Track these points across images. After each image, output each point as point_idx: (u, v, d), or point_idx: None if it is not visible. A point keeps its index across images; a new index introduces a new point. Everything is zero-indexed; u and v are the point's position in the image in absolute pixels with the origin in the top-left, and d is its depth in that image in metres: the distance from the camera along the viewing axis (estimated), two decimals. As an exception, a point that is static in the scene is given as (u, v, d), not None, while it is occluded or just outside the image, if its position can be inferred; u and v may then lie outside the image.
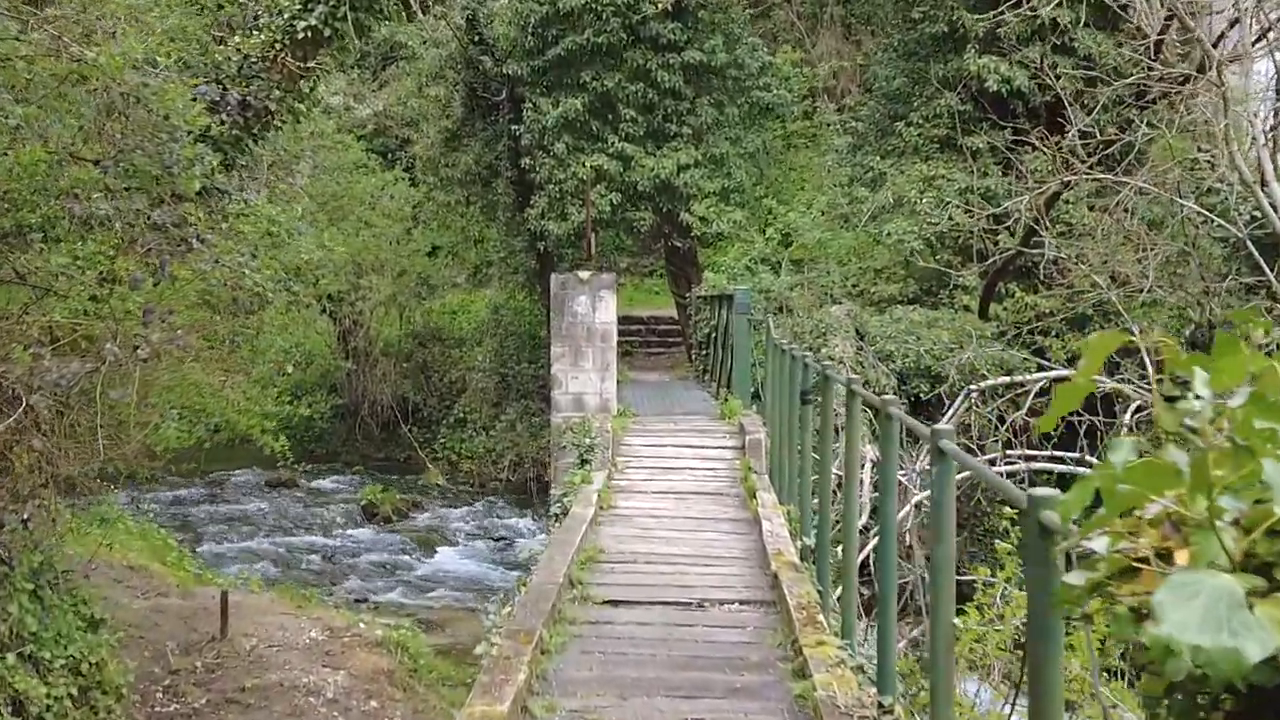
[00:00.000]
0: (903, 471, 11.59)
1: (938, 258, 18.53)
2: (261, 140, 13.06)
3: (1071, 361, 15.91)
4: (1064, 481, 14.97)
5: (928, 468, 13.41)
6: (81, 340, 8.31)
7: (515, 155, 23.15)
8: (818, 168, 27.44)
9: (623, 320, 22.02)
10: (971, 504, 14.47)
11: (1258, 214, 13.61)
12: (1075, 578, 1.71)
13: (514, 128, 22.68)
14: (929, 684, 4.52)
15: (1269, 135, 13.58)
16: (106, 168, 8.95)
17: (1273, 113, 14.55)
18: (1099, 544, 1.72)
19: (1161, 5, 14.72)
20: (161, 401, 8.54)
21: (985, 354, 15.59)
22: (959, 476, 13.24)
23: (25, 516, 7.84)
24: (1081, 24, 18.43)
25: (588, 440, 12.85)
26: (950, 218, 17.85)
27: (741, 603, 7.70)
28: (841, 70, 30.49)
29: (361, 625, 12.24)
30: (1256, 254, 13.34)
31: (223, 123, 11.68)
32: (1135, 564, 1.69)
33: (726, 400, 16.05)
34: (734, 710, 5.82)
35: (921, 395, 16.04)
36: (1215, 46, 13.57)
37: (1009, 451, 13.64)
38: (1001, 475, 10.69)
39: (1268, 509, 1.62)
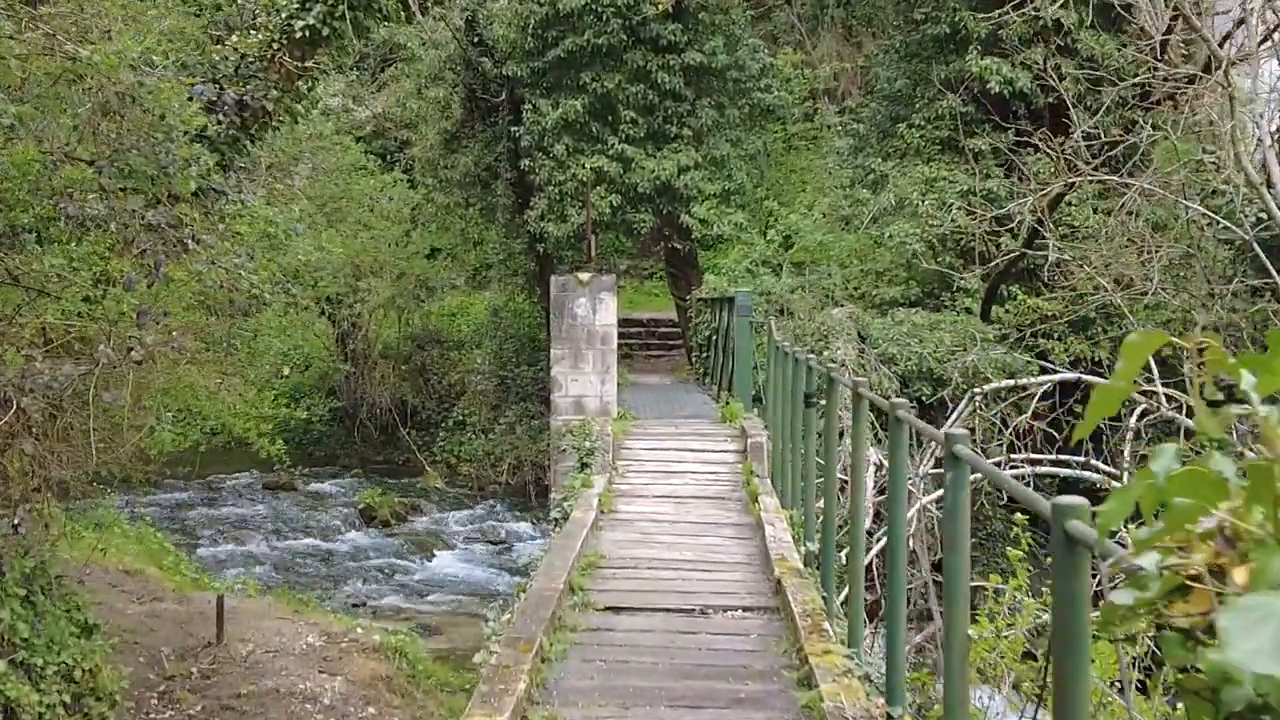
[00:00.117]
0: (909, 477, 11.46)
1: (939, 260, 18.41)
2: (259, 141, 12.93)
3: (1075, 364, 15.81)
4: (1066, 485, 14.87)
5: (932, 471, 13.32)
6: (75, 342, 8.20)
7: (515, 157, 23.04)
8: (819, 170, 27.34)
9: (623, 322, 21.90)
10: (975, 507, 14.35)
11: (1264, 216, 13.50)
12: (1123, 597, 1.59)
13: (513, 129, 22.57)
14: (943, 695, 4.40)
15: (1276, 136, 13.48)
16: (101, 168, 8.85)
17: (1279, 114, 14.45)
18: (1148, 560, 1.60)
19: (1167, 5, 14.61)
20: (156, 405, 8.42)
21: (988, 357, 15.47)
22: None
23: (16, 521, 7.72)
24: (1084, 25, 18.32)
25: (588, 444, 12.72)
26: (953, 220, 17.73)
27: (745, 609, 7.58)
28: (842, 72, 30.39)
29: (359, 630, 12.12)
30: (1263, 256, 13.22)
31: (219, 123, 11.55)
32: (1187, 582, 1.56)
33: (728, 403, 15.94)
34: (739, 721, 5.70)
35: (924, 398, 15.92)
36: (1221, 47, 13.45)
37: (1013, 455, 13.52)
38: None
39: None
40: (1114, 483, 12.45)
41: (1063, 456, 13.54)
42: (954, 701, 4.12)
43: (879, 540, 12.31)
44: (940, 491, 13.18)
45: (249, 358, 22.53)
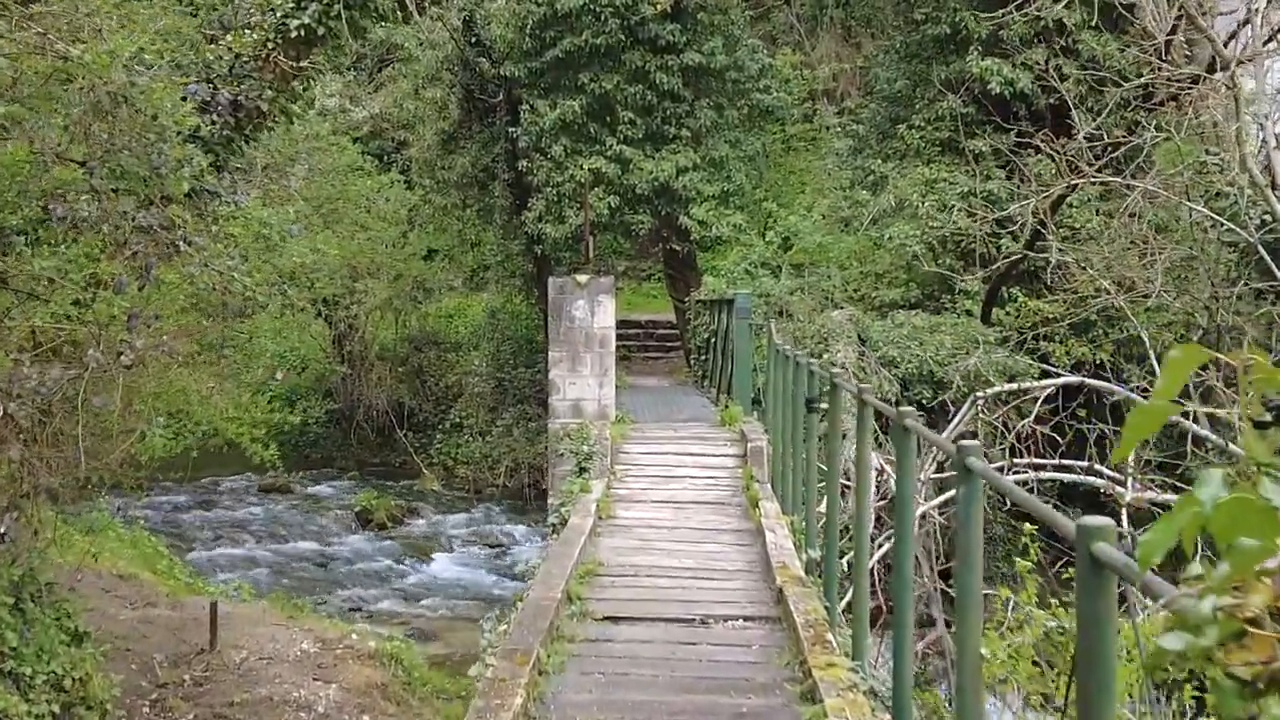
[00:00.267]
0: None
1: (940, 262, 18.29)
2: (254, 141, 12.80)
3: (1077, 367, 15.68)
4: (1068, 489, 14.74)
5: (934, 476, 13.19)
6: (64, 345, 8.06)
7: (512, 158, 22.92)
8: (818, 171, 27.21)
9: (621, 324, 21.76)
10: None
11: (1268, 218, 13.38)
12: (1174, 642, 1.45)
13: (511, 130, 22.44)
14: (955, 716, 4.26)
15: (1280, 137, 13.36)
16: (93, 169, 8.72)
17: (1283, 115, 14.33)
18: (1203, 602, 1.46)
19: (1170, 6, 14.49)
20: (147, 409, 8.27)
21: (990, 360, 15.34)
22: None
23: (3, 529, 7.58)
24: (1086, 26, 18.19)
25: (586, 448, 12.59)
26: (953, 222, 17.60)
27: (746, 619, 7.44)
28: (841, 73, 30.27)
29: (354, 637, 11.98)
30: (1268, 258, 13.10)
31: (213, 123, 11.41)
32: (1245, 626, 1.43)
33: (727, 406, 15.80)
34: (740, 735, 5.57)
35: (924, 401, 15.78)
36: (1225, 47, 13.33)
37: (1015, 460, 13.39)
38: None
39: None
40: (1118, 488, 12.33)
41: (1066, 461, 13.40)
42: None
43: (879, 547, 12.18)
44: (943, 497, 13.08)
45: (245, 360, 22.44)
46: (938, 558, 12.93)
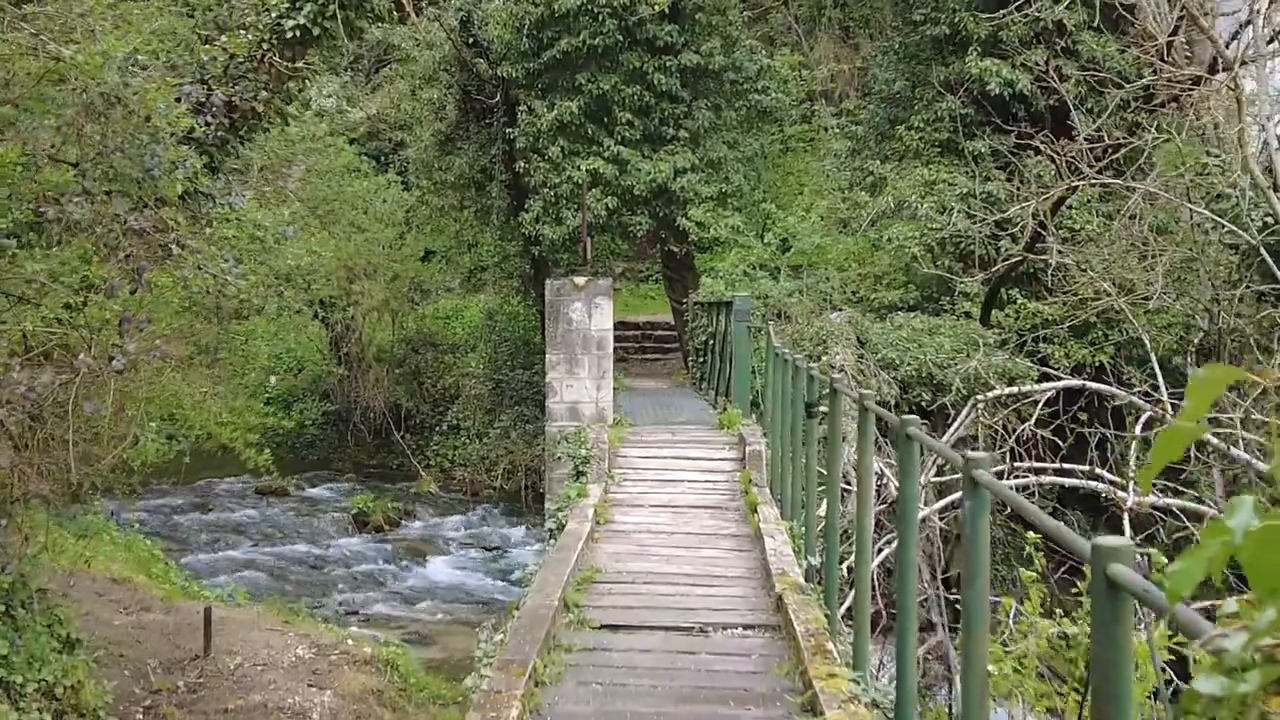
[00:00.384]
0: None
1: (939, 264, 18.20)
2: (248, 142, 12.71)
3: (1076, 370, 15.60)
4: (1067, 493, 14.66)
5: (934, 480, 13.10)
6: (56, 350, 7.96)
7: (509, 159, 22.82)
8: (816, 172, 27.12)
9: (618, 326, 21.66)
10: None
11: (1270, 219, 13.30)
12: (1210, 685, 1.36)
13: (508, 131, 22.34)
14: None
15: (1282, 139, 13.28)
16: (85, 170, 8.63)
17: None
18: (1234, 641, 1.37)
19: (1171, 7, 14.41)
20: (139, 414, 8.18)
21: (990, 363, 15.25)
22: (951, 478, 12.93)
23: (-7, 537, 7.48)
24: (1086, 27, 18.12)
25: (583, 451, 12.50)
26: (952, 223, 17.51)
27: (745, 627, 7.35)
28: (840, 74, 30.18)
29: (350, 642, 11.90)
30: (1270, 261, 13.01)
31: (207, 124, 11.32)
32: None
33: (725, 409, 15.71)
34: (740, 748, 5.48)
35: (924, 404, 15.69)
36: (1226, 48, 13.25)
37: (1016, 464, 13.30)
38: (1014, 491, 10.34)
39: None
40: (1120, 493, 12.24)
41: (1067, 465, 13.32)
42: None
43: (879, 552, 12.09)
44: (943, 501, 13.00)
45: (244, 362, 22.35)
46: (935, 560, 12.84)
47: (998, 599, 8.43)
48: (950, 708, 12.04)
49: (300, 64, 12.36)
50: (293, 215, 17.90)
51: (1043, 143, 16.05)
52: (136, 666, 10.90)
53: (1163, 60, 14.72)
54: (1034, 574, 6.87)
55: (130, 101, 8.60)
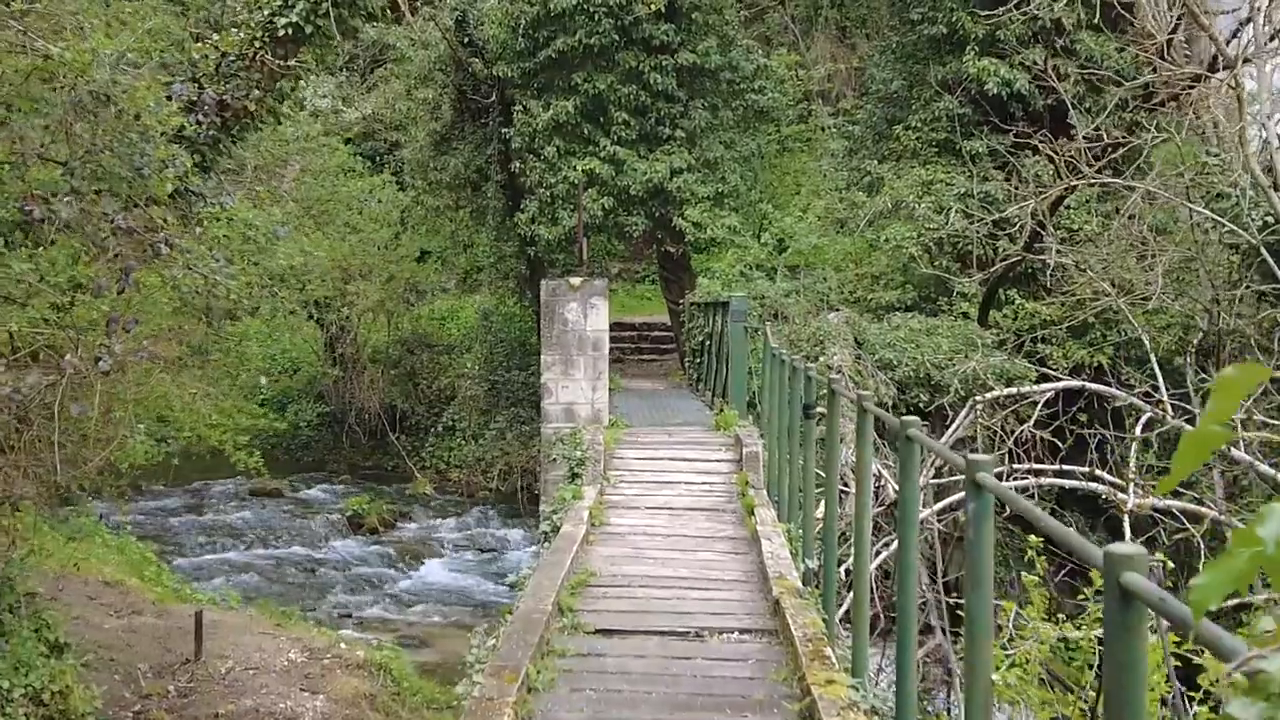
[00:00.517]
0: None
1: (937, 264, 18.11)
2: (240, 141, 12.60)
3: (1075, 371, 15.51)
4: (1066, 494, 14.55)
5: (933, 481, 13.00)
6: (42, 351, 7.85)
7: (505, 159, 22.71)
8: (813, 172, 27.03)
9: (615, 327, 21.54)
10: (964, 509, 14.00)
11: (1271, 219, 13.21)
12: (1246, 711, 1.26)
13: (504, 131, 22.23)
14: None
15: (1283, 137, 13.18)
16: (74, 169, 8.52)
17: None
18: (1274, 664, 1.26)
19: (1170, 6, 14.31)
20: (127, 416, 8.06)
21: (989, 363, 15.15)
22: (950, 479, 12.82)
23: (-22, 540, 7.36)
24: (1084, 26, 18.03)
25: (579, 453, 12.39)
26: (952, 224, 17.41)
27: (742, 632, 7.24)
28: (837, 74, 30.09)
29: (342, 646, 11.79)
30: (1270, 260, 12.91)
31: (199, 123, 11.21)
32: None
33: (722, 410, 15.60)
34: (737, 755, 5.37)
35: (921, 405, 15.58)
36: (1227, 45, 13.16)
37: (1015, 466, 13.20)
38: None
39: None
40: (1119, 494, 12.14)
41: (1066, 467, 13.22)
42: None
43: (877, 555, 11.99)
44: (942, 504, 12.89)
45: (237, 364, 22.22)
46: (931, 562, 12.73)
47: (998, 603, 8.33)
48: (949, 711, 11.94)
49: (293, 62, 12.26)
50: (287, 215, 17.79)
51: (1041, 142, 15.96)
52: (127, 671, 10.78)
53: (1162, 58, 14.62)
54: (1036, 578, 6.76)
55: (120, 99, 8.50)
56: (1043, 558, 6.79)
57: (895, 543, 9.56)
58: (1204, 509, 12.12)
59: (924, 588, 12.07)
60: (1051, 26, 18.08)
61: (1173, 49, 15.58)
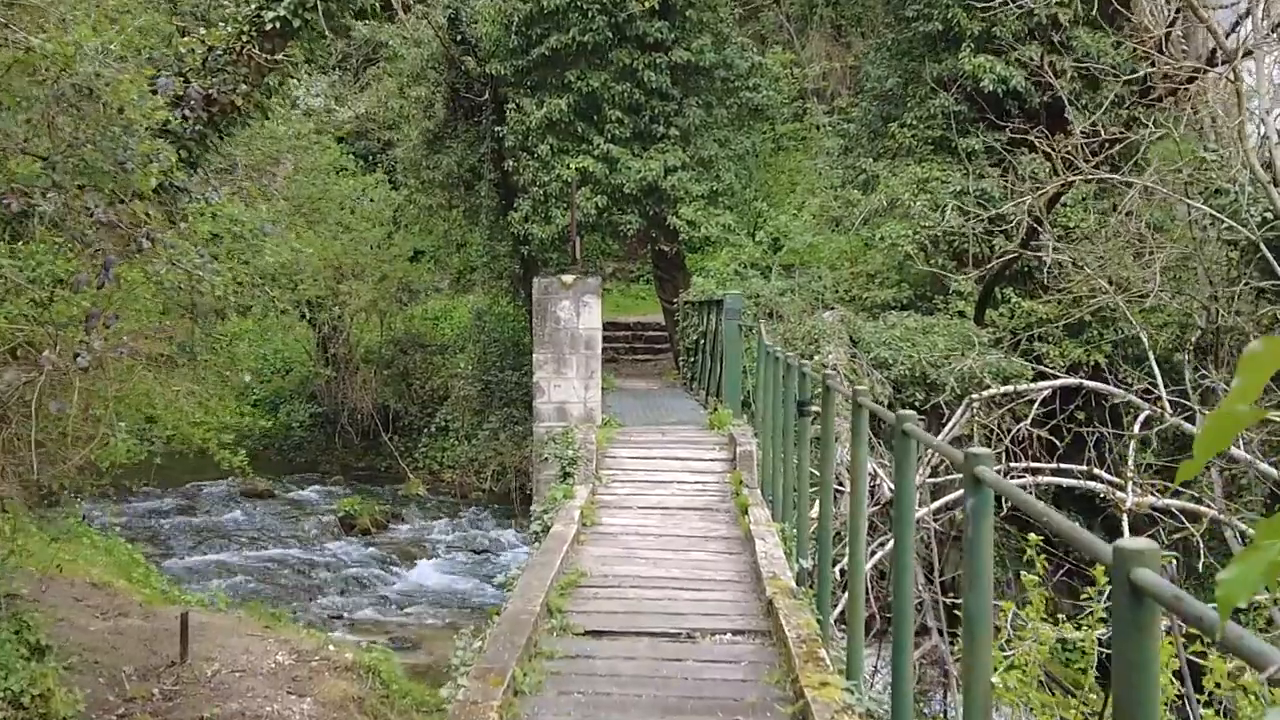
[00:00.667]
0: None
1: (932, 262, 17.98)
2: (228, 137, 12.44)
3: (1073, 370, 15.38)
4: (1062, 493, 14.42)
5: (930, 480, 12.86)
6: (21, 347, 7.70)
7: (498, 157, 22.57)
8: (808, 170, 26.90)
9: (608, 326, 21.39)
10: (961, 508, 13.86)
11: (1269, 214, 13.08)
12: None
13: (497, 129, 22.10)
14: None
15: (1281, 133, 13.04)
16: (55, 163, 8.37)
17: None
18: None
19: (1168, 0, 14.18)
20: (108, 414, 7.90)
21: (985, 362, 15.01)
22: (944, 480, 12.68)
23: (-47, 540, 7.20)
24: (1080, 22, 17.90)
25: (571, 452, 12.24)
26: (947, 221, 17.28)
27: (735, 633, 7.08)
28: (832, 71, 29.97)
29: (331, 648, 11.61)
30: (1270, 256, 12.78)
31: (185, 118, 11.05)
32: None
33: (716, 409, 15.45)
34: (728, 760, 5.22)
35: (917, 404, 15.44)
36: (1226, 39, 13.03)
37: (1012, 465, 13.06)
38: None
39: None
40: (1118, 493, 12.01)
41: (1064, 466, 13.08)
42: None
43: (872, 554, 11.85)
44: (938, 503, 12.75)
45: (229, 363, 22.05)
46: (927, 562, 12.59)
47: (996, 603, 8.18)
48: (945, 713, 11.80)
49: (280, 57, 12.09)
50: (277, 214, 17.62)
51: (1037, 139, 15.84)
52: (111, 673, 10.61)
53: (1159, 53, 14.48)
54: (1035, 577, 6.61)
55: (103, 93, 8.36)
56: (1041, 557, 6.64)
57: (891, 542, 9.42)
58: (1203, 508, 11.99)
59: (920, 588, 11.93)
60: (1048, 22, 17.95)
61: (1170, 43, 15.46)
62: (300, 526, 21.58)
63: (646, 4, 20.11)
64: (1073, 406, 14.26)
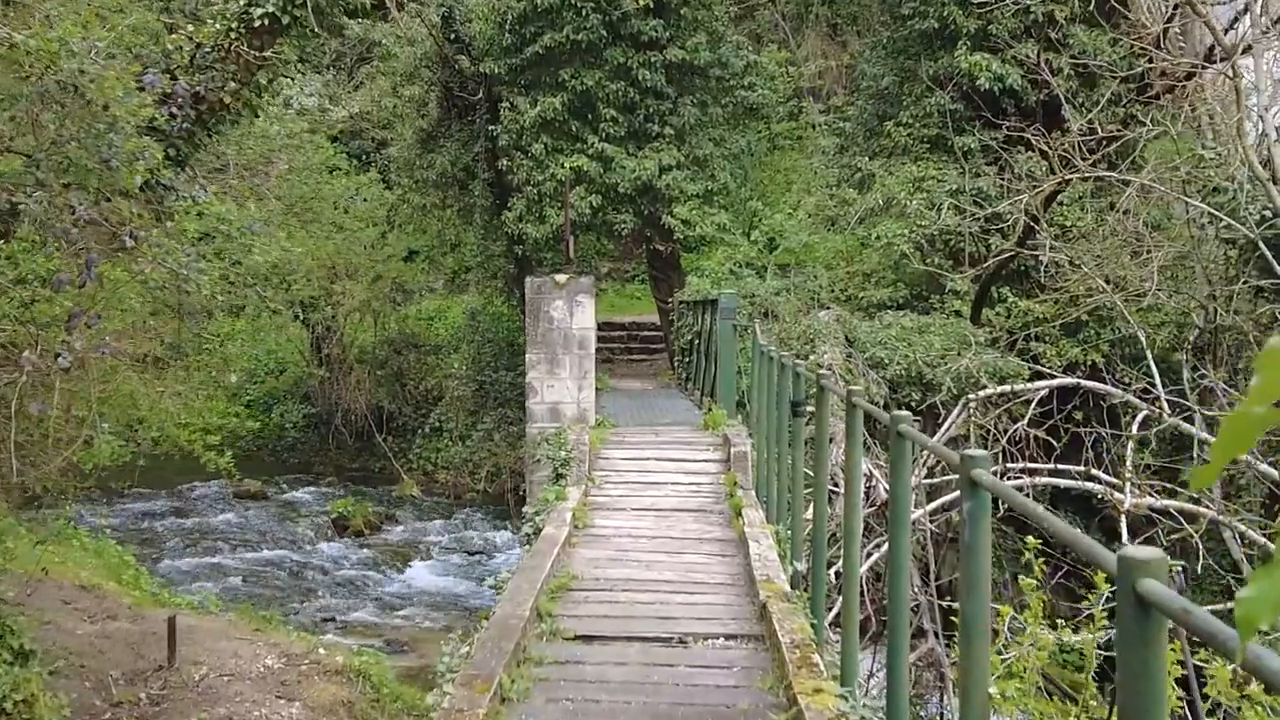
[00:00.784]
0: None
1: (929, 261, 17.86)
2: (216, 135, 12.31)
3: (1070, 370, 15.27)
4: (1059, 493, 14.31)
5: (926, 481, 12.74)
6: (1, 348, 7.57)
7: (492, 156, 22.45)
8: (804, 169, 26.79)
9: (604, 326, 21.26)
10: (957, 510, 13.75)
11: (1268, 212, 12.97)
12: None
13: (491, 128, 21.97)
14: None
15: (1280, 130, 12.94)
16: (39, 161, 8.26)
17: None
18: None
19: (1166, -4, 14.08)
20: (91, 415, 7.77)
21: (983, 361, 14.90)
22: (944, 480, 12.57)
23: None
24: (1077, 19, 17.79)
25: (563, 453, 12.12)
26: (944, 220, 17.16)
27: (727, 638, 6.96)
28: (827, 70, 29.87)
29: (321, 651, 11.48)
30: (1269, 254, 12.67)
31: (173, 116, 10.92)
32: None
33: (710, 410, 15.33)
34: (720, 769, 5.10)
35: (913, 404, 15.33)
36: (1225, 35, 12.92)
37: (1009, 465, 12.94)
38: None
39: None
40: (1116, 494, 11.89)
41: (1061, 466, 12.96)
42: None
43: (868, 556, 11.73)
44: (935, 504, 12.63)
45: (222, 364, 21.91)
46: (923, 563, 12.47)
47: (994, 606, 8.07)
48: (942, 716, 11.69)
49: (269, 53, 11.96)
50: (269, 213, 17.49)
51: (1034, 137, 15.73)
52: (98, 678, 10.48)
53: (1157, 48, 14.37)
54: (1033, 581, 6.49)
55: (88, 90, 8.25)
56: (1040, 559, 6.52)
57: (886, 544, 9.31)
58: (1201, 509, 11.89)
59: (916, 590, 11.81)
60: (1044, 20, 17.83)
61: (1167, 40, 15.36)
62: (293, 528, 21.46)
63: (641, 2, 19.99)
64: (1070, 406, 14.15)
